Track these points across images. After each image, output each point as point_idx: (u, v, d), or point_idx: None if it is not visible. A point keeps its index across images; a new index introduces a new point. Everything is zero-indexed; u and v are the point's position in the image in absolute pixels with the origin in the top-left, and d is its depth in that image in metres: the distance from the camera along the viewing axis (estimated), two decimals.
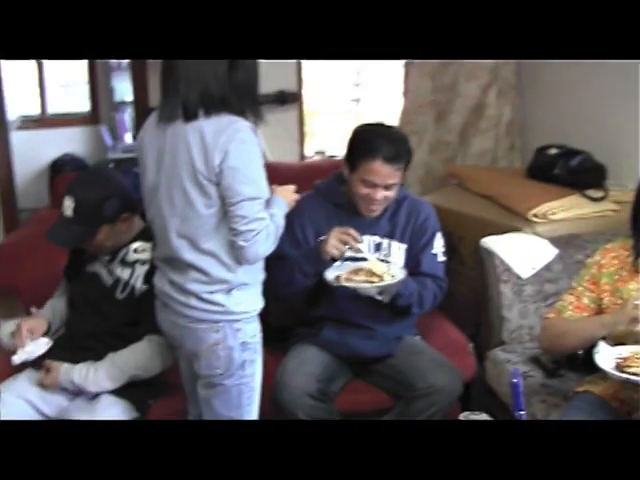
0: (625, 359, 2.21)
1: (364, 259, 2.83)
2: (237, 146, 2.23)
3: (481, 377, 3.22)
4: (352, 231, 2.75)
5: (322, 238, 2.80)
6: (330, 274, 2.74)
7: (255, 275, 2.45)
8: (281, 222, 2.41)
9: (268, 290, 2.58)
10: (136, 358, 2.71)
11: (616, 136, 3.68)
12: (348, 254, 2.83)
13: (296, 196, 2.57)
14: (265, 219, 2.30)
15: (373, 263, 2.78)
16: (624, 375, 2.16)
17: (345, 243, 2.73)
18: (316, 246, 2.80)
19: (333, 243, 2.72)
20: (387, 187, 2.78)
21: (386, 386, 2.95)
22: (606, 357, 2.24)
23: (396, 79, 4.89)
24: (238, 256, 2.32)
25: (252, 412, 2.53)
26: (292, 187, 2.56)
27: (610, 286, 2.48)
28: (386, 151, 2.72)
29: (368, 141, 2.77)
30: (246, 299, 2.42)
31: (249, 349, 2.44)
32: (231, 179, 2.24)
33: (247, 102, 2.32)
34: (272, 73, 3.88)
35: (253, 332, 2.46)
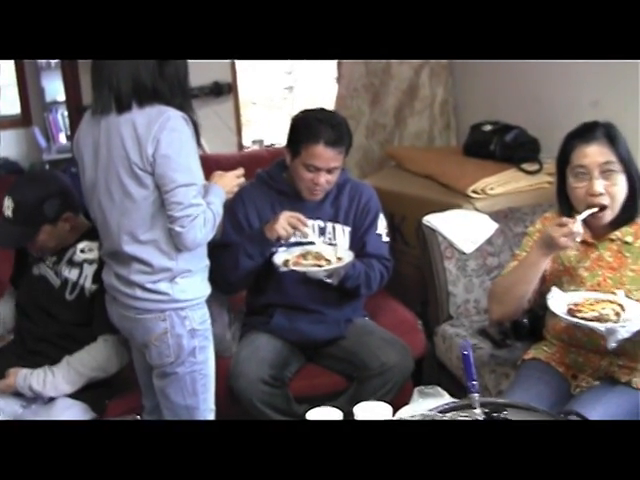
0: (577, 304, 2.27)
1: (311, 243, 2.87)
2: (168, 134, 2.26)
3: (431, 352, 3.28)
4: (301, 216, 2.78)
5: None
6: (278, 259, 2.78)
7: (198, 262, 2.47)
8: (219, 209, 2.44)
9: (216, 278, 2.61)
10: (93, 359, 2.71)
11: (549, 110, 3.76)
12: (294, 239, 2.88)
13: (240, 181, 2.60)
14: (201, 205, 2.34)
15: (321, 247, 2.83)
16: (574, 319, 2.21)
17: (293, 226, 2.76)
18: (261, 227, 2.83)
19: (282, 224, 2.75)
20: (329, 171, 2.82)
21: (339, 368, 3.00)
22: (559, 302, 2.30)
23: (328, 65, 4.90)
24: (177, 243, 2.35)
25: (208, 400, 2.56)
26: (235, 172, 2.58)
27: None
28: (328, 135, 2.77)
29: (309, 126, 2.81)
30: (191, 286, 2.45)
31: (198, 336, 2.47)
32: (165, 167, 2.27)
33: (178, 92, 2.36)
34: (206, 65, 3.89)
35: (201, 319, 2.49)
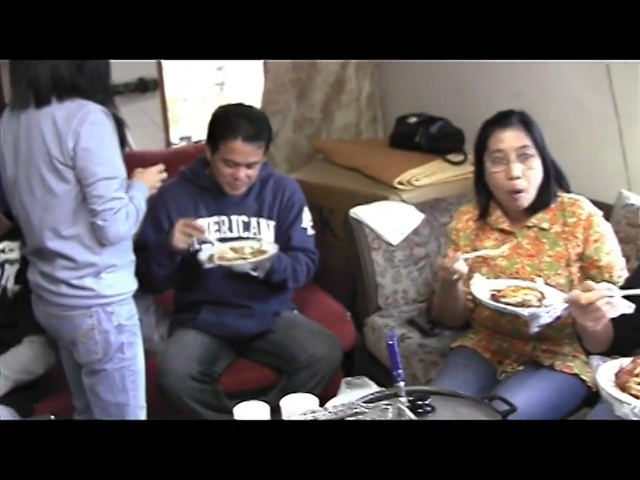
0: (500, 291, 2.31)
1: (238, 238, 2.89)
2: (89, 128, 2.24)
3: (361, 344, 3.31)
4: (195, 223, 2.77)
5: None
6: (203, 255, 2.76)
7: (123, 256, 2.45)
8: (142, 204, 2.42)
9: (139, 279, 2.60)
10: (18, 362, 2.67)
11: (472, 101, 3.81)
12: (219, 235, 2.90)
13: (162, 176, 2.59)
14: (123, 198, 2.32)
15: (245, 241, 2.84)
16: (499, 304, 2.25)
17: (190, 235, 2.75)
18: (166, 237, 2.81)
19: (178, 237, 2.75)
20: (249, 166, 2.82)
21: (269, 362, 3.00)
22: (482, 289, 2.33)
23: (259, 60, 4.88)
24: (99, 237, 2.33)
25: (138, 397, 2.54)
26: (156, 168, 2.57)
27: (469, 247, 2.57)
28: (246, 130, 2.76)
29: (228, 121, 2.80)
30: (117, 281, 2.42)
31: (126, 331, 2.45)
32: (85, 161, 2.25)
33: (99, 88, 2.33)
34: (131, 62, 3.84)
35: (128, 314, 2.47)
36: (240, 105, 2.94)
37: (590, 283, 1.89)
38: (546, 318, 2.16)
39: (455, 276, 2.37)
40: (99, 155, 2.27)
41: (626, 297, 1.87)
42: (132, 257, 2.50)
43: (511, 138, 2.42)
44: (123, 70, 4.10)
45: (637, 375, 1.69)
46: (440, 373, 2.57)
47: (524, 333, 2.34)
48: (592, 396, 2.32)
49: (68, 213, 2.32)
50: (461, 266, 2.35)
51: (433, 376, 2.67)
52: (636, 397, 1.63)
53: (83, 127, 2.24)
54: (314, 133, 4.55)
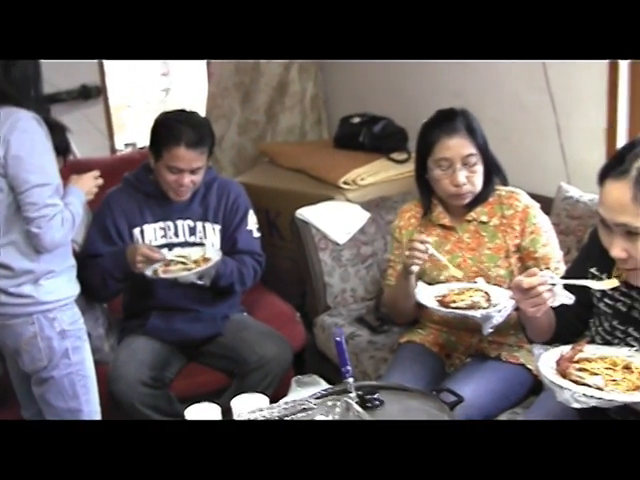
0: (444, 296, 2.34)
1: (184, 243, 2.91)
2: (19, 135, 2.22)
3: (312, 343, 3.33)
4: (156, 255, 2.76)
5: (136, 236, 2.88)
6: (148, 271, 2.75)
7: (61, 262, 2.43)
8: (78, 210, 2.41)
9: (86, 290, 2.60)
10: None
11: (414, 100, 3.86)
12: (164, 241, 2.92)
13: (98, 182, 2.58)
14: (58, 205, 2.30)
15: (188, 250, 2.86)
16: (450, 310, 2.28)
17: (148, 257, 2.75)
18: (123, 253, 2.80)
19: (139, 260, 2.73)
20: (193, 171, 2.82)
21: (220, 365, 3.00)
22: (427, 296, 2.36)
23: (203, 65, 4.88)
24: (35, 244, 2.31)
25: (91, 401, 2.52)
26: (92, 174, 2.56)
27: None
28: (188, 137, 2.76)
29: (170, 128, 2.79)
30: (56, 287, 2.40)
31: (70, 336, 2.43)
32: (17, 168, 2.23)
33: (29, 94, 2.31)
34: (73, 68, 3.82)
35: (71, 319, 2.45)
36: (182, 112, 2.93)
37: (534, 269, 1.93)
38: (498, 318, 2.20)
39: (415, 264, 2.39)
40: (30, 162, 2.25)
41: (566, 288, 1.91)
42: (71, 262, 2.49)
43: (457, 146, 2.46)
44: (65, 77, 4.10)
45: (577, 362, 1.74)
46: (389, 369, 2.60)
47: (471, 326, 2.38)
48: (538, 384, 2.36)
49: (2, 221, 2.30)
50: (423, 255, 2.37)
51: (383, 372, 2.69)
52: (576, 383, 1.67)
53: (13, 135, 2.22)
54: (259, 136, 4.56)
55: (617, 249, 1.74)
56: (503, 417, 2.40)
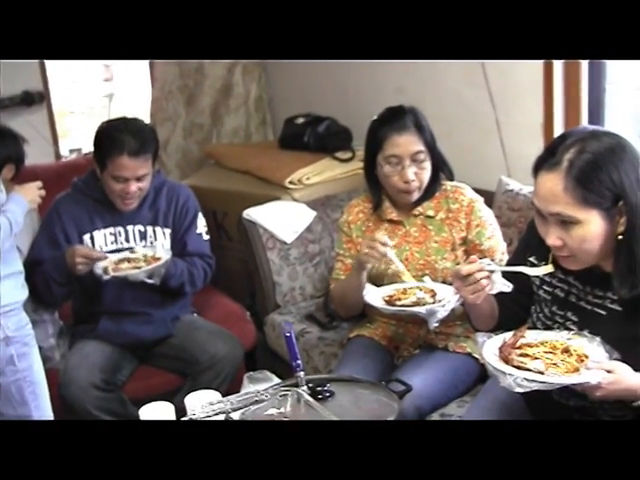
0: (391, 296, 2.38)
1: (129, 248, 2.89)
2: None
3: (263, 342, 3.35)
4: (93, 253, 2.78)
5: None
6: (98, 269, 2.75)
7: (6, 268, 2.43)
8: (17, 218, 2.42)
9: (33, 297, 2.60)
10: None
11: (357, 99, 3.91)
12: (113, 247, 2.92)
13: (41, 192, 2.59)
14: None
15: (138, 250, 2.85)
16: (396, 308, 2.31)
17: (89, 258, 2.75)
18: (63, 257, 2.79)
19: (79, 261, 2.73)
20: (139, 179, 2.82)
21: (172, 366, 3.02)
22: (375, 297, 2.40)
23: (147, 70, 4.87)
24: None
25: (42, 407, 2.51)
26: (36, 184, 2.56)
27: (361, 238, 2.66)
28: (130, 145, 2.75)
29: (112, 138, 2.78)
30: (1, 293, 2.40)
31: (15, 343, 2.43)
32: None
33: None
34: (14, 74, 3.80)
35: (16, 325, 2.45)
36: (123, 120, 2.92)
37: (473, 257, 1.99)
38: (442, 312, 2.24)
39: (371, 262, 2.43)
40: None
41: (506, 276, 1.97)
42: (18, 268, 2.48)
43: (406, 143, 2.51)
44: (7, 83, 4.07)
45: (518, 347, 1.79)
46: (339, 363, 2.64)
47: (418, 319, 2.42)
48: (485, 373, 2.40)
49: None
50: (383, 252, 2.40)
51: (334, 367, 2.72)
52: (518, 368, 1.73)
53: None
54: (204, 138, 4.57)
55: (552, 237, 1.81)
56: (452, 406, 2.46)
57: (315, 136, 3.87)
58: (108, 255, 2.80)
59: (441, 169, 2.61)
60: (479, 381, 2.51)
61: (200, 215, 3.07)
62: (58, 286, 2.84)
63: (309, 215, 3.42)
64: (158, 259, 2.79)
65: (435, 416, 2.42)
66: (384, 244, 2.38)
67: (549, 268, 1.94)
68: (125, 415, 2.84)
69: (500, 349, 1.80)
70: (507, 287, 1.94)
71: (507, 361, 1.76)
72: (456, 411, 2.42)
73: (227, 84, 4.53)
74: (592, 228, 1.75)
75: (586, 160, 1.73)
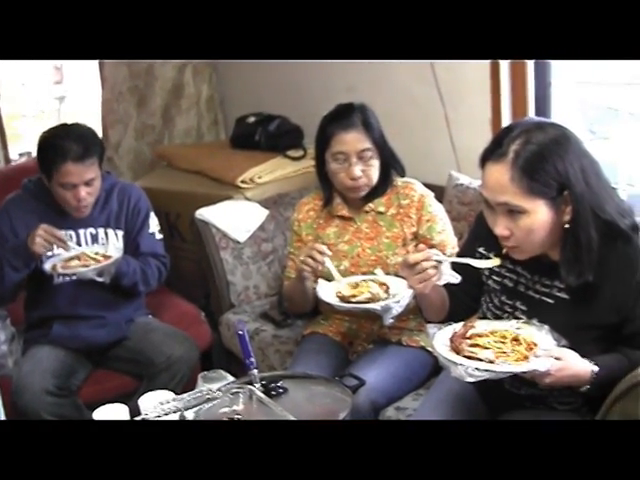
0: (345, 292, 2.37)
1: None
2: None
3: (218, 342, 3.35)
4: (57, 232, 2.74)
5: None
6: (47, 265, 2.73)
7: None
8: None
9: None
10: None
11: (308, 97, 3.91)
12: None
13: None
14: None
15: (88, 248, 2.84)
16: (351, 305, 2.32)
17: (50, 242, 2.72)
18: (24, 241, 2.75)
19: (39, 242, 2.69)
20: (87, 183, 2.79)
21: (128, 369, 2.99)
22: (328, 292, 2.40)
23: (96, 71, 4.82)
24: None
25: None
26: None
27: (312, 236, 2.68)
28: (73, 152, 2.72)
29: (54, 146, 2.75)
30: None
31: None
32: None
33: None
34: None
35: None
36: (63, 126, 2.90)
37: (421, 246, 2.01)
38: (397, 308, 2.26)
39: (306, 272, 2.43)
40: None
41: (455, 268, 1.99)
42: None
43: (353, 141, 2.53)
44: None
45: (469, 337, 1.82)
46: (294, 361, 2.65)
47: (371, 313, 2.43)
48: (438, 365, 2.42)
49: None
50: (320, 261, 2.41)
51: (289, 365, 2.72)
52: (469, 358, 1.75)
53: None
54: (156, 140, 4.54)
55: (500, 227, 1.84)
56: (407, 399, 2.48)
57: (266, 135, 3.87)
58: (70, 244, 2.79)
59: (391, 166, 2.63)
60: (433, 374, 2.53)
61: (152, 215, 3.05)
62: (13, 271, 2.78)
63: (262, 214, 3.42)
64: (109, 257, 2.77)
65: (390, 410, 2.44)
66: (322, 253, 2.39)
67: (496, 261, 1.97)
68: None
69: (451, 340, 1.83)
70: (455, 278, 1.96)
71: (458, 351, 1.78)
72: (411, 404, 2.44)
73: (178, 85, 4.51)
74: (538, 217, 1.79)
75: (531, 151, 1.77)
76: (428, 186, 2.69)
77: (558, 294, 1.90)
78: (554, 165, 1.76)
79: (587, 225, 1.80)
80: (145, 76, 4.46)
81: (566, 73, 3.11)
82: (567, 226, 1.81)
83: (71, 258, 2.76)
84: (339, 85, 3.68)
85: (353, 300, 2.33)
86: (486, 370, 1.71)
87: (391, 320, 2.29)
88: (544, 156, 1.77)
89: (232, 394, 1.87)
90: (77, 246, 2.88)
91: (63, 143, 2.73)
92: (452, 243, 2.57)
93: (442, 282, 1.96)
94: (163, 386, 2.78)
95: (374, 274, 2.43)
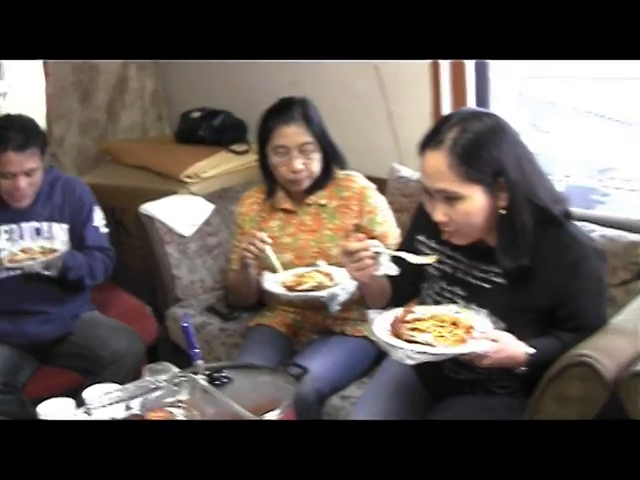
0: (292, 281, 2.42)
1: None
2: None
3: (165, 336, 3.35)
4: None
5: None
6: None
7: None
8: None
9: None
10: None
11: (253, 92, 3.91)
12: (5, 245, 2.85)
13: None
14: None
15: (36, 242, 2.84)
16: (298, 293, 2.36)
17: None
18: None
19: None
20: (27, 173, 2.79)
21: (74, 364, 2.97)
22: (274, 284, 2.43)
23: (39, 66, 4.76)
24: None
25: None
26: None
27: (256, 229, 2.68)
28: (14, 140, 2.72)
29: None
30: None
31: None
32: None
33: None
34: None
35: None
36: (4, 117, 2.91)
37: (361, 235, 2.04)
38: (343, 295, 2.31)
39: (249, 259, 2.47)
40: None
41: (396, 258, 2.03)
42: None
43: (293, 134, 2.56)
44: None
45: (408, 322, 1.85)
46: (240, 353, 2.67)
47: (316, 304, 2.47)
48: (382, 354, 2.46)
49: None
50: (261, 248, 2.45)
51: (235, 357, 2.75)
52: (409, 341, 1.79)
53: None
54: (100, 135, 4.50)
55: (439, 214, 1.89)
56: (352, 388, 2.52)
57: (211, 130, 3.88)
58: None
59: (332, 159, 2.66)
60: (377, 363, 2.56)
61: (96, 208, 3.05)
62: None
63: (207, 208, 3.43)
64: (55, 251, 2.76)
65: (335, 398, 2.48)
66: (263, 241, 2.42)
67: (432, 259, 2.03)
68: (24, 417, 2.78)
69: (392, 325, 1.86)
70: (393, 270, 2.00)
71: (399, 335, 1.82)
72: (356, 393, 2.48)
73: (122, 79, 4.48)
74: (475, 203, 1.84)
75: (468, 138, 1.82)
76: (371, 179, 2.74)
77: (495, 279, 1.96)
78: (490, 152, 1.82)
79: (522, 211, 1.86)
80: (89, 71, 4.41)
81: (508, 67, 3.17)
82: (503, 212, 1.87)
83: (17, 252, 2.74)
84: (283, 80, 3.70)
85: (299, 288, 2.36)
86: (424, 352, 1.75)
87: (337, 308, 2.33)
88: (480, 144, 1.82)
89: (176, 384, 1.89)
90: (20, 240, 2.87)
91: (4, 132, 2.74)
92: (394, 234, 2.61)
93: (380, 273, 2.00)
94: (110, 380, 2.76)
95: (317, 266, 2.46)
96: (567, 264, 1.87)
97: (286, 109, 2.59)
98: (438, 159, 1.84)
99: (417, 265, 2.08)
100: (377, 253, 1.98)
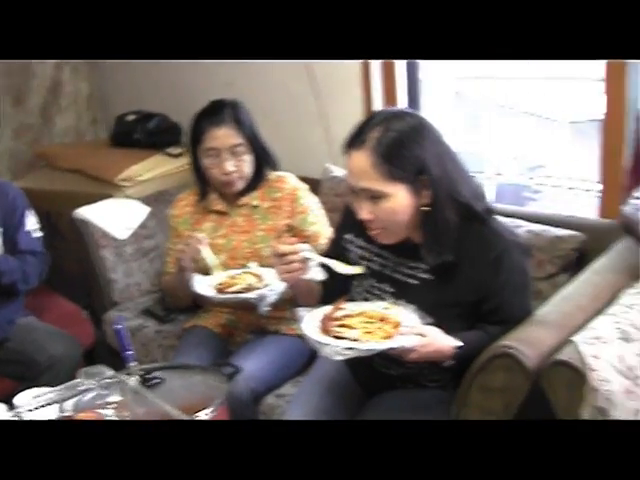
0: (221, 283, 2.44)
1: None
2: None
3: (102, 340, 3.33)
4: None
5: None
6: None
7: None
8: None
9: None
10: None
11: (187, 94, 3.90)
12: None
13: None
14: None
15: None
16: (228, 295, 2.39)
17: None
18: None
19: None
20: None
21: (9, 371, 2.93)
22: (204, 286, 2.45)
23: None
24: None
25: None
26: None
27: (189, 231, 2.70)
28: None
29: None
30: None
31: None
32: None
33: None
34: None
35: None
36: None
37: (292, 239, 2.08)
38: (272, 296, 2.34)
39: (184, 260, 2.48)
40: None
41: (328, 254, 2.07)
42: None
43: (224, 136, 2.58)
44: None
45: (337, 318, 1.89)
46: (176, 354, 2.67)
47: (249, 304, 2.48)
48: (316, 352, 2.51)
49: None
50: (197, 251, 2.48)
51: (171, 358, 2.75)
52: (337, 338, 1.82)
53: None
54: (35, 139, 4.45)
55: (364, 212, 1.93)
56: (287, 386, 2.55)
57: (146, 133, 3.89)
58: None
59: (264, 160, 2.69)
60: (312, 361, 2.58)
61: (30, 213, 3.02)
62: None
63: (143, 211, 3.43)
64: None
65: (270, 397, 2.50)
66: (199, 242, 2.45)
67: (358, 269, 2.07)
68: None
69: (321, 321, 1.89)
70: (320, 276, 2.03)
71: (328, 332, 1.85)
72: (291, 391, 2.50)
73: (57, 82, 4.45)
74: (399, 201, 1.88)
75: (391, 138, 1.86)
76: (304, 179, 2.76)
77: (422, 275, 2.00)
78: (412, 151, 1.86)
79: (444, 208, 1.90)
80: (22, 74, 4.36)
81: (441, 67, 3.23)
82: (426, 209, 1.91)
83: None
84: (217, 82, 3.72)
85: (229, 290, 2.38)
86: (352, 348, 1.78)
87: (266, 309, 2.35)
88: (403, 142, 1.86)
89: (107, 385, 1.89)
90: None
91: None
92: (325, 234, 2.64)
93: (308, 277, 2.03)
94: (47, 386, 2.76)
95: (248, 267, 2.49)
96: (490, 259, 1.92)
97: (217, 111, 2.61)
98: (362, 158, 1.88)
99: (346, 263, 2.11)
100: (306, 258, 2.00)
